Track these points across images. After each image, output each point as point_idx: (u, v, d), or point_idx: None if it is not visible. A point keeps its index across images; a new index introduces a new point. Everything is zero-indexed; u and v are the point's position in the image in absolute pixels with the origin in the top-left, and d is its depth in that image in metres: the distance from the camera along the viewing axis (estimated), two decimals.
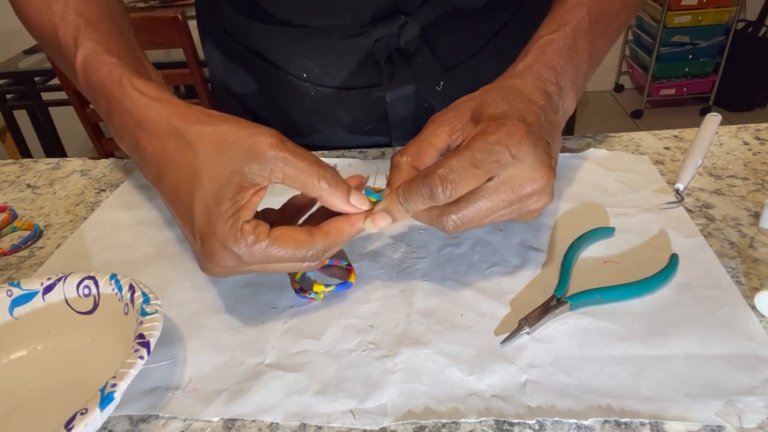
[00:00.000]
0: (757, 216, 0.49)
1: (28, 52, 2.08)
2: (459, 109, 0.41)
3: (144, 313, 0.38)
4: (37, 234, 0.56)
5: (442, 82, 0.63)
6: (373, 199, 0.40)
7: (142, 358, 0.34)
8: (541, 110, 0.39)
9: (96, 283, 0.42)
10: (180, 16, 1.44)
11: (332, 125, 0.67)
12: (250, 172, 0.35)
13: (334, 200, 0.38)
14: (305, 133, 0.68)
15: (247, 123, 0.37)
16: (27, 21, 0.48)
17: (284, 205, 0.43)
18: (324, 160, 0.62)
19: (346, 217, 0.39)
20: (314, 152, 0.63)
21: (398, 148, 0.65)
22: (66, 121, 2.19)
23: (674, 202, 0.51)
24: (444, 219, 0.38)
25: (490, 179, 0.37)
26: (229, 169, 0.35)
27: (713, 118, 0.62)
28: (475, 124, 0.39)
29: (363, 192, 0.40)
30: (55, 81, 1.74)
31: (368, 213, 0.39)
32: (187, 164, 0.36)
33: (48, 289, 0.42)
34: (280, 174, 0.36)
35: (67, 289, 0.42)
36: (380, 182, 0.58)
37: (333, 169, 0.38)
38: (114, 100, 0.40)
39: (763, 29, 2.73)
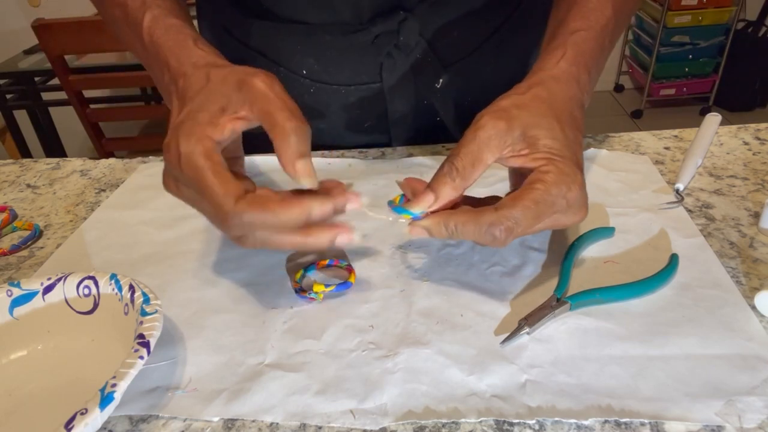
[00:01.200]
0: (757, 216, 0.49)
1: (28, 52, 2.08)
2: (511, 119, 0.39)
3: (144, 313, 0.38)
4: (37, 234, 0.56)
5: (441, 79, 0.63)
6: (408, 216, 0.40)
7: (142, 358, 0.34)
8: (580, 132, 0.40)
9: (96, 283, 0.42)
10: None
11: (332, 122, 0.67)
12: (233, 100, 0.38)
13: (283, 151, 0.36)
14: None
15: (257, 69, 0.39)
16: None
17: None
18: (324, 159, 0.63)
19: (282, 198, 0.36)
20: (314, 151, 0.63)
21: (398, 148, 0.65)
22: (66, 121, 2.20)
23: (674, 202, 0.51)
24: (501, 239, 0.38)
25: None
26: (220, 92, 0.38)
27: (713, 118, 0.62)
28: (528, 144, 0.39)
29: (355, 194, 0.39)
30: (55, 81, 1.74)
31: (304, 200, 0.36)
32: (197, 85, 0.40)
33: (48, 289, 0.42)
34: (257, 107, 0.37)
35: (67, 289, 0.42)
36: (378, 183, 0.58)
37: (303, 126, 0.37)
38: (175, 45, 0.43)
39: (763, 29, 2.73)
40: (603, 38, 0.44)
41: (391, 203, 0.42)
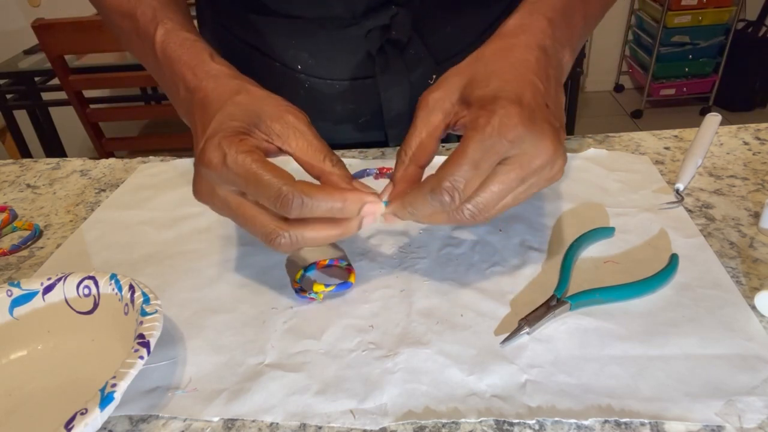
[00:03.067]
0: (757, 216, 0.49)
1: (28, 52, 2.08)
2: (447, 87, 0.39)
3: (144, 313, 0.38)
4: (37, 234, 0.56)
5: (434, 75, 0.63)
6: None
7: (142, 358, 0.34)
8: (534, 74, 0.37)
9: (96, 283, 0.42)
10: None
11: (327, 118, 0.67)
12: (270, 128, 0.39)
13: (335, 181, 0.39)
14: None
15: (285, 102, 0.41)
16: (101, 4, 0.52)
17: None
18: None
19: (335, 188, 0.37)
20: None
21: (398, 148, 0.65)
22: (66, 121, 2.20)
23: (674, 202, 0.51)
24: (460, 211, 0.37)
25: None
26: (256, 114, 0.39)
27: (713, 118, 0.62)
28: (465, 104, 0.37)
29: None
30: (55, 81, 1.74)
31: (361, 195, 0.38)
32: (234, 92, 0.40)
33: (48, 289, 0.42)
34: (294, 143, 0.39)
35: (67, 289, 0.42)
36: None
37: (341, 161, 0.40)
38: (190, 61, 0.43)
39: (763, 29, 2.73)
40: None
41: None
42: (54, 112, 2.10)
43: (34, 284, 0.42)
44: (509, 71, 0.37)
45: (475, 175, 0.35)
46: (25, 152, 2.14)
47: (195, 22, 0.72)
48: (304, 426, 0.35)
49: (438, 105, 0.39)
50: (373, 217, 0.39)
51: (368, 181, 0.59)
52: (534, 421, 0.33)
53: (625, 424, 0.33)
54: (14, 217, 0.59)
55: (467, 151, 0.35)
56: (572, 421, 0.33)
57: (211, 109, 0.40)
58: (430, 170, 0.38)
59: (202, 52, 0.44)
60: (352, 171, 0.61)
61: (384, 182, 0.48)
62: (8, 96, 2.01)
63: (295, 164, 0.40)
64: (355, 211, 0.37)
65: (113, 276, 0.41)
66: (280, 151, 0.39)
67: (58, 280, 0.42)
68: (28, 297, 0.42)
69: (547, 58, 0.39)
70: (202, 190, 0.39)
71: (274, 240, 0.37)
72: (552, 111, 0.37)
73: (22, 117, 2.08)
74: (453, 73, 0.39)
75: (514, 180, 0.36)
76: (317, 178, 0.40)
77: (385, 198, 0.40)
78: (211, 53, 0.44)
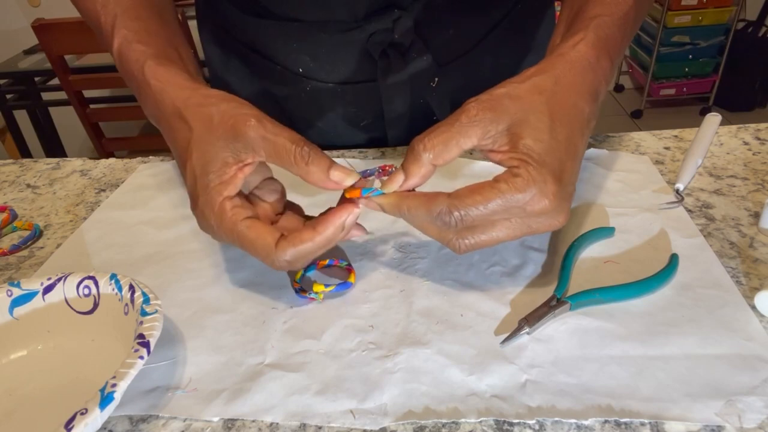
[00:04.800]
0: (757, 216, 0.49)
1: (28, 52, 2.08)
2: (498, 110, 0.36)
3: (144, 313, 0.38)
4: (37, 234, 0.56)
5: (436, 78, 0.63)
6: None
7: (142, 358, 0.34)
8: (581, 136, 0.37)
9: (96, 283, 0.42)
10: (180, 16, 1.44)
11: (328, 120, 0.67)
12: (234, 150, 0.38)
13: (313, 176, 0.38)
14: (302, 129, 0.68)
15: (235, 102, 0.39)
16: (77, 6, 0.52)
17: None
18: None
19: (312, 227, 0.38)
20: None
21: (398, 148, 0.65)
22: (66, 121, 2.20)
23: (674, 202, 0.51)
24: (457, 241, 0.37)
25: None
26: (217, 146, 0.38)
27: (713, 118, 0.62)
28: (510, 140, 0.36)
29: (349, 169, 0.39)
30: (55, 81, 1.74)
31: (341, 215, 0.38)
32: (185, 139, 0.40)
33: (48, 289, 0.42)
34: (263, 152, 0.38)
35: (67, 289, 0.42)
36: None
37: (313, 147, 0.38)
38: (139, 86, 0.43)
39: (763, 29, 2.73)
40: (625, 26, 0.41)
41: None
42: (54, 112, 2.11)
43: (34, 284, 0.42)
44: (565, 128, 0.36)
45: (486, 219, 0.36)
46: (25, 152, 2.14)
47: (195, 23, 0.72)
48: (304, 426, 0.35)
49: (483, 123, 0.36)
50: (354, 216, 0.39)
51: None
52: (534, 421, 0.33)
53: (625, 424, 0.33)
54: (14, 217, 0.59)
55: (492, 198, 0.35)
56: (572, 421, 0.33)
57: (179, 150, 0.40)
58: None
59: (144, 65, 0.42)
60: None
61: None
62: (8, 96, 2.01)
63: None
64: (343, 231, 0.39)
65: (113, 276, 0.41)
66: (255, 165, 0.39)
67: (58, 280, 0.42)
68: (28, 297, 0.42)
69: (595, 107, 0.39)
70: (204, 228, 0.41)
71: (275, 265, 0.39)
72: (575, 173, 0.37)
73: (22, 117, 2.08)
74: (511, 96, 0.37)
75: (517, 235, 0.37)
76: (298, 175, 0.38)
77: (380, 187, 0.39)
78: (150, 66, 0.42)
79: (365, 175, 0.60)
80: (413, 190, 0.39)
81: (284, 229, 0.39)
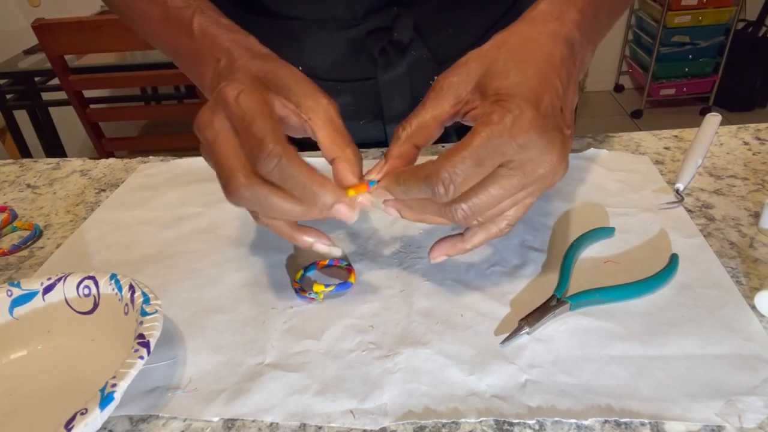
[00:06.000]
0: (757, 216, 0.49)
1: (28, 52, 2.08)
2: (464, 72, 0.37)
3: (144, 313, 0.38)
4: (37, 234, 0.56)
5: (436, 76, 0.63)
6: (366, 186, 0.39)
7: (142, 358, 0.34)
8: (556, 74, 0.35)
9: (96, 283, 0.42)
10: None
11: None
12: (302, 102, 0.39)
13: (343, 171, 0.38)
14: None
15: (321, 89, 0.41)
16: (113, 6, 0.53)
17: None
18: (322, 159, 0.63)
19: (318, 174, 0.36)
20: (314, 151, 0.63)
21: (397, 126, 0.65)
22: (66, 121, 2.20)
23: (674, 202, 0.51)
24: (453, 209, 0.35)
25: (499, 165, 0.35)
26: (292, 86, 0.39)
27: (713, 118, 0.62)
28: (480, 94, 0.35)
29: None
30: (55, 81, 1.74)
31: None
32: (276, 65, 0.41)
33: (48, 289, 0.42)
34: (320, 123, 0.39)
35: (67, 289, 0.42)
36: None
37: (360, 157, 0.39)
38: (238, 41, 0.43)
39: (763, 29, 2.73)
40: None
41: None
42: (54, 112, 2.10)
43: (34, 284, 0.42)
44: (532, 66, 0.35)
45: (474, 172, 0.34)
46: (25, 152, 2.14)
47: None
48: (304, 426, 0.35)
49: (452, 89, 0.37)
50: (343, 216, 0.37)
51: None
52: (534, 421, 0.33)
53: (625, 424, 0.33)
54: (14, 217, 0.59)
55: (473, 144, 0.33)
56: (572, 421, 0.33)
57: (248, 58, 0.40)
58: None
59: (248, 36, 0.44)
60: None
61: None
62: (8, 96, 2.01)
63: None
64: (327, 204, 0.36)
65: (113, 276, 0.41)
66: (304, 124, 0.39)
67: (58, 280, 0.42)
68: (28, 297, 0.42)
69: (572, 55, 0.37)
70: (202, 117, 0.37)
71: (234, 188, 0.35)
72: (565, 116, 0.36)
73: (22, 117, 2.08)
74: (473, 58, 0.37)
75: (515, 186, 0.35)
76: (331, 162, 0.39)
77: (374, 177, 0.39)
78: (255, 39, 0.44)
79: None
80: None
81: None
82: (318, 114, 0.39)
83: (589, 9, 0.39)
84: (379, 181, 0.38)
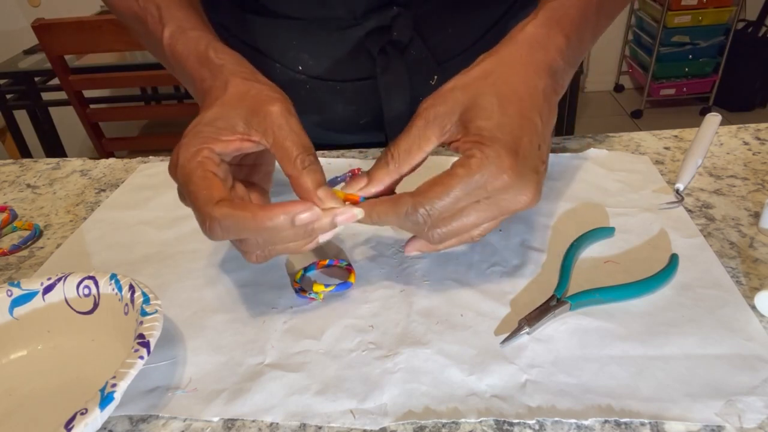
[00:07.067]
0: (757, 216, 0.49)
1: (28, 52, 2.08)
2: (451, 102, 0.38)
3: (144, 313, 0.38)
4: (37, 234, 0.56)
5: (435, 76, 0.63)
6: (342, 193, 0.39)
7: (142, 358, 0.34)
8: (538, 112, 0.37)
9: (96, 283, 0.42)
10: None
11: (328, 118, 0.67)
12: (248, 122, 0.38)
13: (302, 185, 0.37)
14: None
15: (277, 91, 0.40)
16: (114, 9, 0.53)
17: None
18: (324, 159, 0.63)
19: (262, 205, 0.36)
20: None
21: (385, 148, 0.65)
22: (66, 121, 2.20)
23: (674, 202, 0.51)
24: (429, 234, 0.37)
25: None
26: (236, 112, 0.38)
27: (713, 118, 0.62)
28: (464, 128, 0.37)
29: (335, 189, 0.39)
30: (55, 81, 1.74)
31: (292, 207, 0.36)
32: (217, 97, 0.40)
33: (48, 289, 0.42)
34: (271, 138, 0.37)
35: (67, 289, 0.42)
36: None
37: (317, 161, 0.38)
38: (199, 69, 0.43)
39: (763, 29, 2.73)
40: (586, 8, 0.41)
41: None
42: (54, 112, 2.10)
43: (34, 284, 0.42)
44: (515, 104, 0.37)
45: (452, 208, 0.36)
46: (25, 152, 2.14)
47: None
48: (304, 426, 0.35)
49: (437, 121, 0.38)
50: (326, 229, 0.38)
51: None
52: (534, 421, 0.33)
53: (625, 424, 0.33)
54: (14, 217, 0.59)
55: (452, 185, 0.35)
56: (572, 421, 0.33)
57: (202, 108, 0.40)
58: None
59: (207, 49, 0.43)
60: (337, 173, 0.60)
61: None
62: (8, 96, 2.01)
63: None
64: (281, 230, 0.36)
65: (113, 276, 0.41)
66: (260, 145, 0.39)
67: (58, 280, 0.42)
68: (28, 297, 0.42)
69: (554, 85, 0.39)
70: (170, 161, 0.39)
71: (207, 229, 0.37)
72: (542, 152, 0.38)
73: (22, 117, 2.08)
74: (459, 86, 0.38)
75: (489, 216, 0.37)
76: (289, 177, 0.38)
77: (351, 190, 0.39)
78: (215, 48, 0.44)
79: (337, 181, 0.58)
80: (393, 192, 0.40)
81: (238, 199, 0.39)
82: (266, 131, 0.37)
83: (574, 34, 0.41)
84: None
